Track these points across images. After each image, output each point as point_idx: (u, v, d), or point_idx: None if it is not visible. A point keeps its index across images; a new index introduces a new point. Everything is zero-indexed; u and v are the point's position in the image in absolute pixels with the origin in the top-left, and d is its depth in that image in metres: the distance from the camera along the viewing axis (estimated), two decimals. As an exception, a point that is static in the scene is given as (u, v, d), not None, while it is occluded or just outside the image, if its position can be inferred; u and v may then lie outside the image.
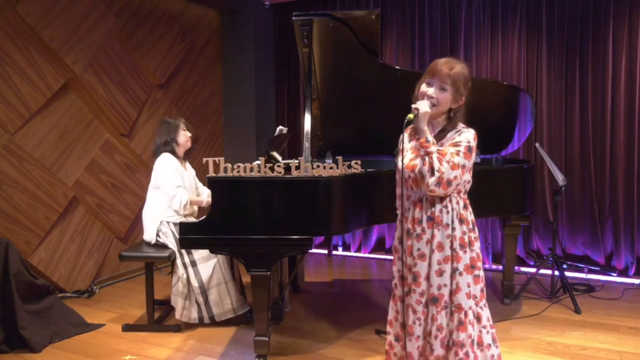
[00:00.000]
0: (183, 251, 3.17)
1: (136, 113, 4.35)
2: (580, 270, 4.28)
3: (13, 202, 3.49)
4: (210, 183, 2.55)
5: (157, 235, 3.30)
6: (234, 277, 3.29)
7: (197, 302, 3.18)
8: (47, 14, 3.60)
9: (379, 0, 4.88)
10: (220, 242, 2.55)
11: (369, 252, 5.10)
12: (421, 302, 2.07)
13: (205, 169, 2.69)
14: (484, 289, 2.09)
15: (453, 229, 2.04)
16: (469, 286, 2.04)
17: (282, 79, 5.46)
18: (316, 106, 3.38)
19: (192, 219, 3.41)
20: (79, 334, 3.15)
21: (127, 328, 3.22)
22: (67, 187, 3.83)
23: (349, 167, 2.60)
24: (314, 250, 5.23)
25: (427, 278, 2.06)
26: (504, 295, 3.63)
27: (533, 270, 4.08)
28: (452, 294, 2.04)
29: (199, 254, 3.18)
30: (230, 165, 2.55)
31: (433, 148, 1.97)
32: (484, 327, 2.07)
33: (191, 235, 2.56)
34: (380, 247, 5.07)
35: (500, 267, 4.27)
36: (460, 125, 2.08)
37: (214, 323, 3.21)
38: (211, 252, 2.70)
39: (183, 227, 2.57)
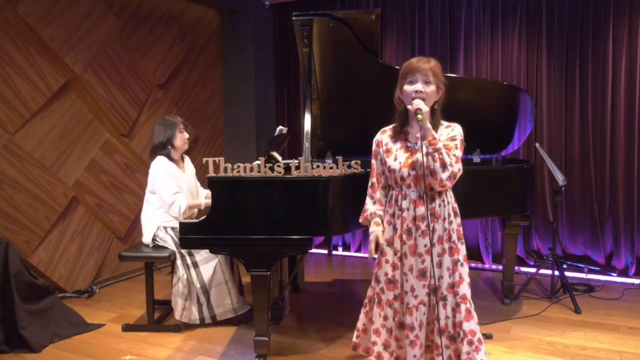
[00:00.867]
0: (184, 253, 3.17)
1: (136, 113, 4.35)
2: (580, 270, 4.28)
3: (13, 202, 3.49)
4: (210, 183, 2.55)
5: (154, 239, 3.30)
6: (234, 275, 3.30)
7: (198, 302, 3.18)
8: (47, 14, 3.60)
9: (379, 0, 4.88)
10: (220, 242, 2.55)
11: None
12: (428, 294, 2.11)
13: (205, 169, 2.69)
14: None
15: (450, 222, 2.10)
16: (468, 276, 2.12)
17: (282, 79, 5.46)
18: (316, 106, 3.38)
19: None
20: (79, 334, 3.15)
21: (127, 328, 3.22)
22: (67, 187, 3.83)
23: (349, 167, 2.60)
24: (314, 250, 5.23)
25: (430, 270, 2.09)
26: (504, 295, 3.63)
27: (533, 270, 4.08)
28: (455, 285, 2.08)
29: (200, 255, 3.18)
30: (230, 165, 2.55)
31: (440, 144, 2.01)
32: None
33: (191, 235, 2.56)
34: (380, 247, 5.07)
35: (500, 267, 4.27)
36: (444, 122, 2.14)
37: (214, 323, 3.22)
38: (211, 252, 2.70)
39: (183, 227, 2.57)
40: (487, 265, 4.59)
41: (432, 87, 2.05)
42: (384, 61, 4.59)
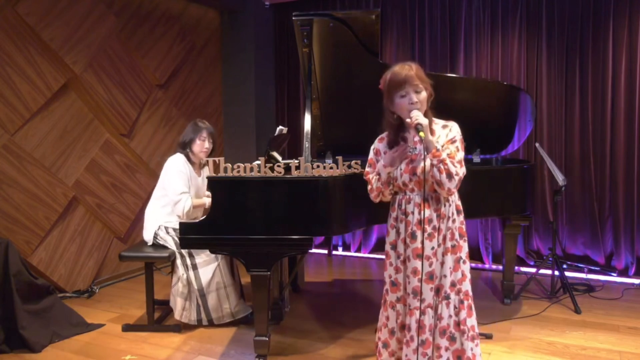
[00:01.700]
0: (184, 254, 3.17)
1: (136, 113, 4.35)
2: (580, 270, 4.27)
3: (13, 202, 3.49)
4: (210, 183, 2.55)
5: (155, 237, 3.30)
6: (234, 280, 3.29)
7: (197, 304, 3.18)
8: (47, 14, 3.60)
9: (379, 0, 4.88)
10: (220, 242, 2.55)
11: (369, 252, 5.10)
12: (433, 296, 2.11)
13: (205, 169, 2.69)
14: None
15: (453, 220, 2.11)
16: (469, 272, 2.14)
17: (282, 79, 5.46)
18: (316, 106, 3.38)
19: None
20: (79, 334, 3.15)
21: (127, 328, 3.22)
22: (67, 187, 3.83)
23: (349, 167, 2.60)
24: (314, 250, 5.23)
25: (436, 272, 2.10)
26: (504, 295, 3.63)
27: (533, 270, 4.08)
28: (458, 282, 2.09)
29: (200, 257, 3.17)
30: (230, 165, 2.55)
31: (444, 154, 2.00)
32: None
33: (191, 235, 2.56)
34: (380, 247, 5.07)
35: (500, 267, 4.27)
36: (437, 120, 2.14)
37: (212, 325, 3.22)
38: (211, 252, 2.70)
39: (183, 227, 2.57)
40: (487, 265, 4.59)
41: (424, 93, 2.04)
42: (384, 61, 4.58)
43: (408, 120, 2.03)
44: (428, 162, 2.05)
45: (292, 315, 3.48)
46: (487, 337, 3.00)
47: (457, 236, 2.11)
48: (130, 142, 4.33)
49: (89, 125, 3.99)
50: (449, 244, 2.09)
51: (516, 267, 3.94)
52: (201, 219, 2.57)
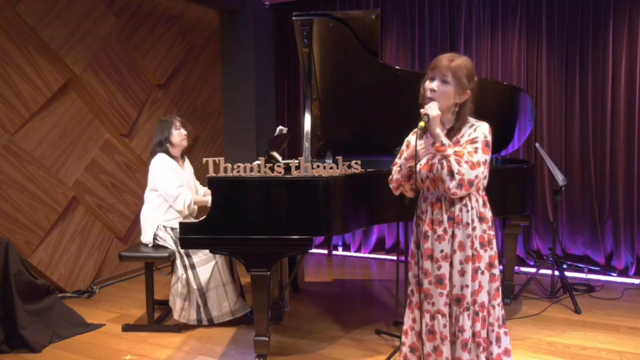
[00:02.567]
0: (183, 254, 3.17)
1: (136, 113, 4.35)
2: (580, 270, 4.28)
3: (13, 202, 3.49)
4: (210, 183, 2.55)
5: (155, 238, 3.30)
6: (233, 279, 3.29)
7: (196, 304, 3.18)
8: (47, 14, 3.60)
9: (379, 0, 4.88)
10: (220, 242, 2.55)
11: (369, 252, 5.10)
12: (448, 304, 2.03)
13: (205, 169, 2.69)
14: (499, 288, 2.06)
15: (474, 228, 2.01)
16: (488, 284, 2.02)
17: (282, 79, 5.46)
18: (316, 106, 3.38)
19: (191, 219, 3.41)
20: (79, 334, 3.15)
21: (127, 328, 3.22)
22: (67, 187, 3.83)
23: (349, 167, 2.60)
24: (314, 250, 5.23)
25: (450, 278, 2.02)
26: (504, 295, 3.61)
27: (533, 270, 4.08)
28: (474, 293, 2.00)
29: (198, 257, 3.17)
30: (230, 165, 2.55)
31: (449, 151, 1.92)
32: (491, 324, 2.05)
33: (191, 235, 2.55)
34: (380, 247, 5.07)
35: (500, 267, 4.26)
36: (472, 120, 2.04)
37: (212, 325, 3.21)
38: (211, 252, 2.70)
39: (183, 227, 2.57)
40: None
41: (449, 88, 1.95)
42: (383, 61, 4.59)
43: (422, 111, 1.95)
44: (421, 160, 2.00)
45: (292, 315, 3.48)
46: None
47: (477, 245, 2.00)
48: (130, 142, 4.33)
49: (89, 125, 3.99)
50: (469, 252, 1.98)
51: (516, 267, 3.95)
52: (201, 219, 2.57)
